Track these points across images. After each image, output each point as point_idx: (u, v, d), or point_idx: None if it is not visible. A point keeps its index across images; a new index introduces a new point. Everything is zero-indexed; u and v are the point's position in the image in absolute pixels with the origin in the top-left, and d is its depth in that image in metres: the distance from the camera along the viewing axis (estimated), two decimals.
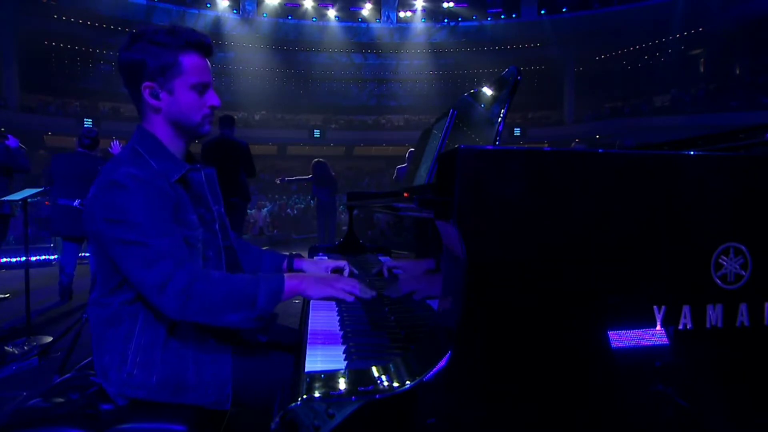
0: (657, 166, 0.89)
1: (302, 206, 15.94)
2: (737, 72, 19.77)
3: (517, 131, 21.58)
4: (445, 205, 0.84)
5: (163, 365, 1.19)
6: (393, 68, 25.12)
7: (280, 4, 22.21)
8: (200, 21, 20.64)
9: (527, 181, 0.83)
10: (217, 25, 21.09)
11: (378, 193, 2.77)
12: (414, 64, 24.80)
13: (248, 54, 22.84)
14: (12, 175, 4.81)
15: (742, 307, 0.89)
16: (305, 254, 2.11)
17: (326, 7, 22.71)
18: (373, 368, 0.83)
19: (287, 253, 1.69)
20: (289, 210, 15.66)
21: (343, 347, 1.00)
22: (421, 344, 0.89)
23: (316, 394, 0.74)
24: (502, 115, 1.25)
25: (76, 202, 3.40)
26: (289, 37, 23.00)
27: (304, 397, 0.74)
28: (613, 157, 0.89)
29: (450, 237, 0.86)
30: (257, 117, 23.53)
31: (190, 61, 1.24)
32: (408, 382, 0.77)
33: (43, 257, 8.21)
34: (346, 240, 2.52)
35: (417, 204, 1.04)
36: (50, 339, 3.51)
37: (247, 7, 21.99)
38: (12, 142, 4.66)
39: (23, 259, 4.21)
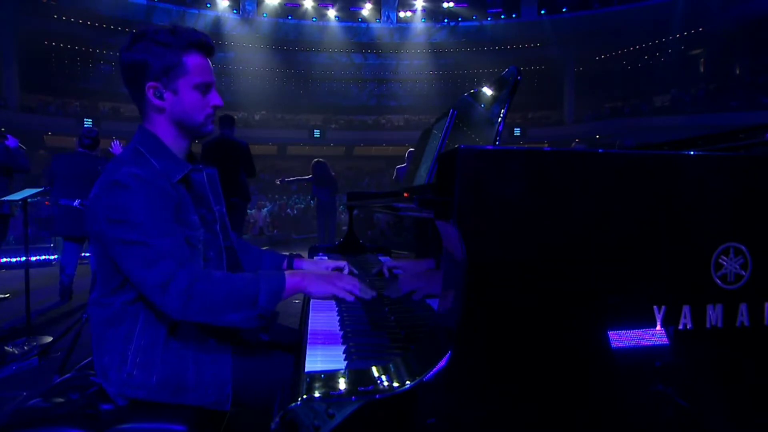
0: (657, 166, 0.89)
1: (302, 206, 15.94)
2: (737, 72, 19.78)
3: (517, 131, 21.58)
4: (445, 205, 0.84)
5: (163, 366, 1.19)
6: (393, 68, 25.12)
7: (280, 4, 22.21)
8: (200, 21, 20.64)
9: (527, 181, 0.83)
10: (217, 25, 21.10)
11: (378, 193, 2.77)
12: (414, 64, 24.80)
13: (248, 54, 22.84)
14: (12, 175, 4.81)
15: (742, 307, 0.89)
16: (305, 254, 2.11)
17: (326, 7, 22.71)
18: (373, 368, 0.83)
19: (287, 253, 1.69)
20: (289, 210, 15.66)
21: (343, 347, 1.00)
22: (421, 344, 0.89)
23: (316, 394, 0.74)
24: (502, 115, 1.25)
25: (76, 202, 3.40)
26: (289, 37, 23.00)
27: (304, 397, 0.74)
28: (613, 157, 0.89)
29: (450, 237, 0.86)
30: (257, 117, 23.54)
31: (193, 61, 1.24)
32: (408, 382, 0.77)
33: (43, 257, 8.21)
34: (346, 240, 2.52)
35: (417, 204, 1.04)
36: (50, 339, 3.51)
37: (247, 7, 21.99)
38: (11, 142, 4.66)
39: (23, 259, 4.21)
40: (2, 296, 5.22)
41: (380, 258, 2.01)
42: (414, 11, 23.10)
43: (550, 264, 0.83)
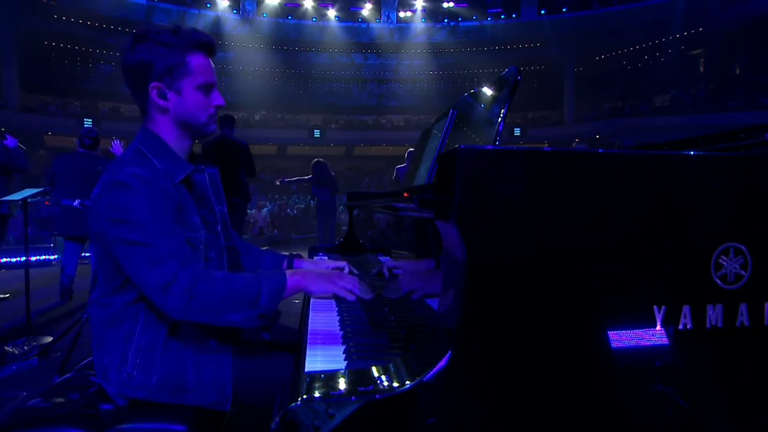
0: (657, 166, 0.89)
1: (302, 206, 15.95)
2: (737, 72, 19.78)
3: (517, 131, 21.58)
4: (445, 205, 0.84)
5: (163, 366, 1.19)
6: (393, 68, 25.12)
7: (280, 4, 22.21)
8: (200, 21, 20.65)
9: (527, 181, 0.83)
10: (217, 25, 21.10)
11: (378, 193, 2.77)
12: (414, 64, 24.80)
13: (248, 54, 22.85)
14: (11, 175, 4.81)
15: (742, 307, 0.89)
16: (305, 254, 2.11)
17: (326, 7, 22.71)
18: (373, 368, 0.83)
19: (287, 253, 1.69)
20: (289, 210, 15.66)
21: (343, 347, 1.00)
22: (421, 344, 0.89)
23: (316, 394, 0.74)
24: (502, 115, 1.25)
25: (76, 202, 3.40)
26: (289, 37, 23.01)
27: (304, 397, 0.74)
28: (613, 157, 0.89)
29: (450, 237, 0.86)
30: (257, 117, 23.54)
31: (196, 61, 1.25)
32: (408, 382, 0.77)
33: (43, 257, 8.22)
34: (346, 240, 2.52)
35: (417, 204, 1.04)
36: (50, 339, 3.51)
37: (247, 7, 22.00)
38: (10, 141, 4.65)
39: (23, 259, 4.21)
40: (2, 296, 5.22)
41: (380, 258, 2.01)
42: (414, 11, 23.10)
43: (550, 264, 0.83)
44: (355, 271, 1.62)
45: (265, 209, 14.31)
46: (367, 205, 2.30)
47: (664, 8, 19.29)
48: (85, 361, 1.46)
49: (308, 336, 1.08)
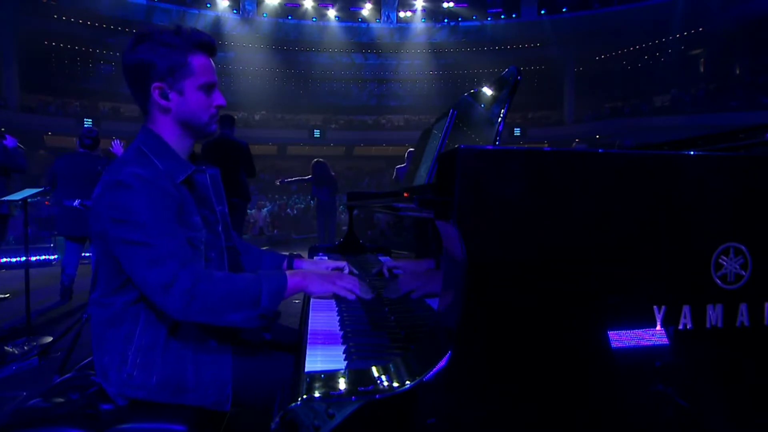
0: (657, 166, 0.89)
1: (302, 206, 15.95)
2: (737, 72, 19.78)
3: (517, 131, 21.58)
4: (445, 205, 0.84)
5: (163, 366, 1.19)
6: (393, 68, 25.12)
7: (280, 4, 22.21)
8: (200, 21, 20.65)
9: (527, 182, 0.83)
10: (217, 25, 21.10)
11: (378, 193, 2.77)
12: (414, 64, 24.80)
13: (248, 54, 22.85)
14: (10, 175, 4.80)
15: (742, 307, 0.89)
16: (305, 254, 2.11)
17: (326, 7, 22.71)
18: (373, 368, 0.83)
19: (287, 253, 1.69)
20: (289, 210, 15.66)
21: (343, 347, 1.00)
22: (421, 344, 0.89)
23: (316, 394, 0.74)
24: (502, 115, 1.25)
25: (76, 202, 3.40)
26: (289, 37, 23.01)
27: (304, 397, 0.74)
28: (613, 157, 0.89)
29: (450, 237, 0.86)
30: (257, 117, 23.54)
31: (198, 61, 1.25)
32: (408, 382, 0.77)
33: (43, 257, 8.22)
34: (346, 240, 2.52)
35: (417, 204, 1.04)
36: (50, 339, 3.51)
37: (247, 7, 22.00)
38: (9, 141, 4.64)
39: (23, 259, 4.21)
40: (2, 296, 5.22)
41: (380, 258, 2.01)
42: (414, 11, 23.10)
43: (550, 264, 0.83)
44: (355, 271, 1.62)
45: (265, 209, 14.31)
46: (367, 205, 2.30)
47: (664, 8, 19.30)
48: (85, 361, 1.46)
49: (308, 336, 1.08)
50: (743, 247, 0.89)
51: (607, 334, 0.84)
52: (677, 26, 19.85)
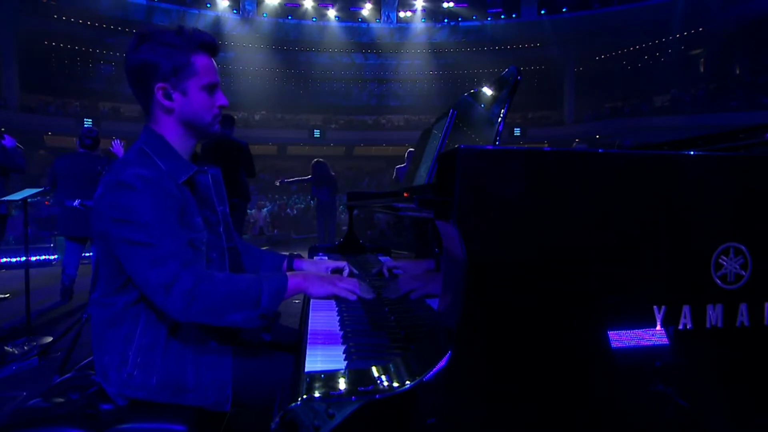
0: (657, 166, 0.89)
1: (302, 206, 15.95)
2: (737, 72, 19.78)
3: (517, 131, 21.59)
4: (445, 205, 0.84)
5: (164, 367, 1.19)
6: (393, 68, 25.13)
7: (280, 4, 22.22)
8: (200, 21, 20.64)
9: (527, 182, 0.83)
10: (217, 25, 21.09)
11: (378, 193, 2.77)
12: (414, 64, 24.80)
13: (248, 54, 22.85)
14: (9, 176, 4.80)
15: (742, 307, 0.89)
16: (305, 254, 2.11)
17: (326, 7, 22.72)
18: (373, 368, 0.83)
19: (287, 254, 1.69)
20: (289, 210, 15.65)
21: (343, 347, 1.00)
22: (421, 344, 0.89)
23: (316, 394, 0.74)
24: (502, 115, 1.25)
25: (76, 202, 3.40)
26: (289, 37, 23.01)
27: (304, 397, 0.74)
28: (613, 157, 0.89)
29: (450, 237, 0.86)
30: (257, 117, 23.54)
31: (201, 61, 1.25)
32: (408, 382, 0.77)
33: (43, 257, 8.22)
34: (346, 240, 2.52)
35: (417, 204, 1.04)
36: (50, 339, 3.51)
37: (247, 7, 22.00)
38: (8, 141, 4.63)
39: (23, 259, 4.21)
40: (2, 296, 5.22)
41: (380, 258, 2.01)
42: (414, 11, 23.11)
43: (551, 264, 0.83)
44: (356, 272, 1.62)
45: (265, 209, 14.31)
46: (367, 205, 2.30)
47: (664, 8, 19.29)
48: (85, 361, 1.46)
49: (308, 336, 1.08)
50: (743, 247, 0.89)
51: (607, 334, 0.84)
52: (677, 26, 19.85)
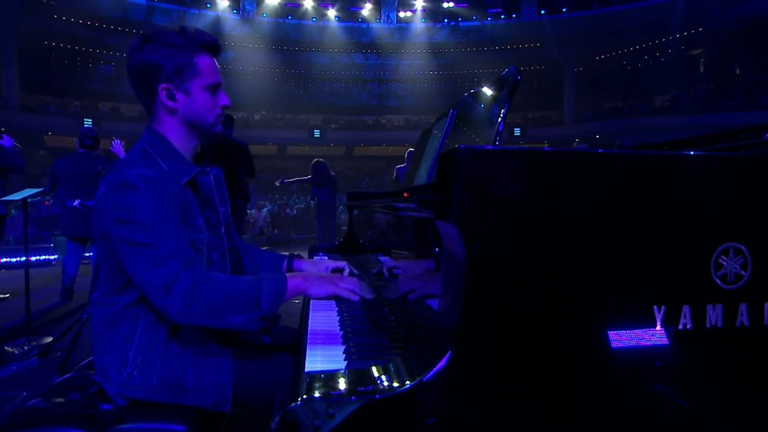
0: (657, 166, 0.89)
1: (302, 206, 15.94)
2: (737, 72, 19.78)
3: (517, 131, 21.60)
4: (445, 205, 0.84)
5: (164, 367, 1.19)
6: (393, 68, 25.13)
7: (280, 4, 22.22)
8: (200, 21, 20.64)
9: (527, 182, 0.83)
10: (217, 25, 21.09)
11: (378, 193, 2.77)
12: (414, 64, 24.80)
13: (248, 54, 22.85)
14: (7, 176, 4.79)
15: (742, 307, 0.89)
16: (305, 254, 2.11)
17: (326, 7, 22.72)
18: (373, 368, 0.83)
19: (287, 254, 1.69)
20: (289, 210, 15.65)
21: (343, 347, 1.00)
22: (421, 344, 0.89)
23: (316, 394, 0.74)
24: (502, 115, 1.25)
25: (76, 202, 3.40)
26: (290, 37, 23.01)
27: (304, 397, 0.74)
28: (613, 157, 0.89)
29: (450, 237, 0.86)
30: (257, 117, 23.54)
31: (204, 61, 1.25)
32: (408, 382, 0.77)
33: (43, 257, 8.21)
34: (346, 240, 2.52)
35: (417, 204, 1.04)
36: (50, 339, 3.51)
37: (247, 7, 22.00)
38: (6, 141, 4.62)
39: (23, 259, 4.21)
40: (2, 296, 5.22)
41: (380, 258, 2.01)
42: (414, 11, 23.11)
43: (551, 264, 0.83)
44: (356, 272, 1.62)
45: (265, 209, 14.31)
46: (367, 205, 2.30)
47: (664, 8, 19.30)
48: (85, 361, 1.46)
49: (308, 336, 1.08)
50: (743, 247, 0.89)
51: (607, 334, 0.84)
52: (677, 26, 19.86)
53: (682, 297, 0.88)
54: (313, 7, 22.42)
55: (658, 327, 0.86)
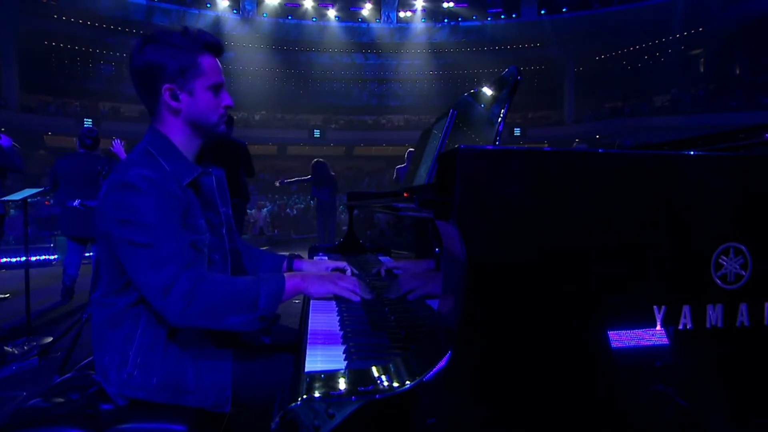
0: (657, 166, 0.89)
1: (302, 206, 15.94)
2: (737, 72, 19.79)
3: (517, 131, 21.60)
4: (445, 205, 0.84)
5: (164, 367, 1.19)
6: (393, 68, 25.13)
7: (280, 4, 22.22)
8: (200, 21, 20.63)
9: (527, 182, 0.83)
10: (217, 25, 21.08)
11: (378, 193, 2.77)
12: (414, 64, 24.80)
13: (248, 54, 22.85)
14: (5, 175, 4.79)
15: (742, 307, 0.89)
16: (305, 254, 2.11)
17: (326, 7, 22.72)
18: (373, 368, 0.83)
19: (287, 254, 1.69)
20: (288, 210, 15.65)
21: (343, 347, 1.00)
22: (421, 344, 0.89)
23: (316, 394, 0.74)
24: (502, 115, 1.25)
25: (76, 203, 3.40)
26: (290, 37, 23.01)
27: (304, 397, 0.74)
28: (613, 157, 0.89)
29: (450, 237, 0.86)
30: (257, 117, 23.54)
31: (207, 62, 1.25)
32: (408, 382, 0.77)
33: (43, 257, 8.21)
34: (346, 240, 2.52)
35: (417, 204, 1.04)
36: (50, 339, 3.51)
37: (247, 7, 22.00)
38: (5, 141, 4.61)
39: (23, 259, 4.21)
40: (2, 296, 5.22)
41: (380, 258, 2.02)
42: (414, 11, 23.11)
43: (551, 264, 0.83)
44: (356, 272, 1.62)
45: (265, 209, 14.31)
46: (367, 205, 2.30)
47: (664, 8, 19.30)
48: (85, 361, 1.46)
49: (308, 336, 1.08)
50: (743, 247, 0.89)
51: (607, 334, 0.84)
52: (677, 26, 19.86)
53: (682, 297, 0.88)
54: (313, 7, 22.42)
55: (658, 327, 0.86)
